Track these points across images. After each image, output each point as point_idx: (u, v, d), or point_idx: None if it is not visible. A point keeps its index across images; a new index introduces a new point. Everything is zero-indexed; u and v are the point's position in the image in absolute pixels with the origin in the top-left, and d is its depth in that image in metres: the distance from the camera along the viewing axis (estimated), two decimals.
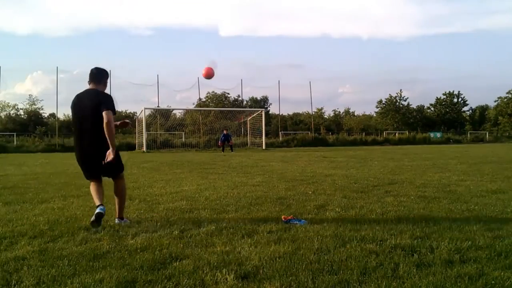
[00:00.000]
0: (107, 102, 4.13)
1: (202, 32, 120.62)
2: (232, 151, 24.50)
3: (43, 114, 52.71)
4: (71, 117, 4.46)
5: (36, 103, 50.29)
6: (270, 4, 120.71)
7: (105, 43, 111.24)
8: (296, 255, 3.09)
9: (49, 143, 29.97)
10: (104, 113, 4.02)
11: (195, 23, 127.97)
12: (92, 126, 4.12)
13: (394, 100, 63.34)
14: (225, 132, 25.41)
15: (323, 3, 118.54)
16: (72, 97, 4.39)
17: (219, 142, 25.58)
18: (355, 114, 73.59)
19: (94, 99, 4.16)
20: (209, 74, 5.56)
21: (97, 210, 4.01)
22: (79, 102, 4.25)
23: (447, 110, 65.49)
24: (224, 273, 2.71)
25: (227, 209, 5.00)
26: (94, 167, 4.25)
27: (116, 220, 4.32)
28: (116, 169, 4.32)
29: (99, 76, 4.34)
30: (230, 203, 5.41)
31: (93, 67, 4.37)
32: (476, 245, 3.29)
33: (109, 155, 4.05)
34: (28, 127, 44.13)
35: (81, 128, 4.24)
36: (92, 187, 4.30)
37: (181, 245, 3.38)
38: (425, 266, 2.83)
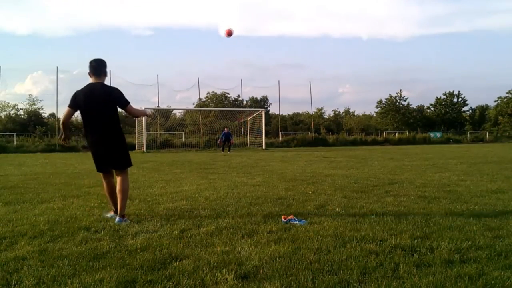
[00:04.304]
0: (123, 96, 4.54)
1: (202, 32, 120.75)
2: (229, 151, 24.35)
3: (43, 114, 52.59)
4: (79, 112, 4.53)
5: (36, 103, 50.13)
6: (270, 4, 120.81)
7: (105, 43, 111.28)
8: (296, 255, 3.09)
9: (49, 143, 29.94)
10: (129, 107, 4.55)
11: (195, 23, 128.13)
12: (108, 119, 4.46)
13: (394, 100, 63.28)
14: (225, 130, 25.14)
15: (323, 3, 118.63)
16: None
17: (219, 140, 25.32)
18: (355, 114, 73.68)
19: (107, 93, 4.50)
20: (229, 33, 7.01)
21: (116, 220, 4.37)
22: (91, 96, 4.41)
23: (447, 110, 65.43)
24: (224, 273, 2.71)
25: (227, 209, 5.00)
26: (105, 160, 4.53)
27: (117, 219, 4.33)
28: (124, 160, 4.57)
29: (100, 68, 4.50)
30: (230, 203, 5.41)
31: (91, 59, 4.48)
32: (476, 245, 3.29)
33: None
34: (28, 127, 44.05)
35: (94, 121, 4.46)
36: (105, 185, 4.62)
37: (181, 245, 3.38)
38: (425, 266, 2.83)
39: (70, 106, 4.45)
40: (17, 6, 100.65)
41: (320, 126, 58.75)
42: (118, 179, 4.53)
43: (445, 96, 66.54)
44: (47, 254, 3.17)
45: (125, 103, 4.51)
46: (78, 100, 4.41)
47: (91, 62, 4.45)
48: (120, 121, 4.63)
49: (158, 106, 35.46)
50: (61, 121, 4.64)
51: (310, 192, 6.30)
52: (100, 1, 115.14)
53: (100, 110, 4.42)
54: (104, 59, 4.52)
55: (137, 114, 5.14)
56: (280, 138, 37.47)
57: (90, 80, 4.49)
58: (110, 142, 4.50)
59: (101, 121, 4.45)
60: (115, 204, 4.53)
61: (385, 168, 10.86)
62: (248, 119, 32.92)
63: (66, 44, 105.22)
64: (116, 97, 4.48)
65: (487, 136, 52.87)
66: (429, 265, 2.84)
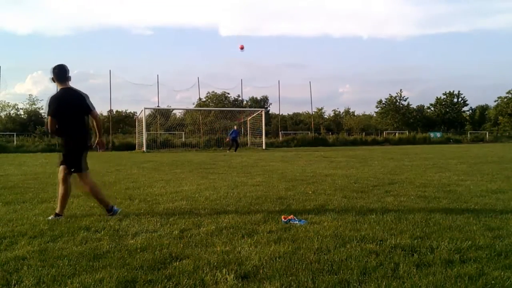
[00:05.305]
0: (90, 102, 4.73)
1: (202, 32, 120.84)
2: (230, 149, 24.42)
3: (43, 114, 52.67)
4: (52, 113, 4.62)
5: (36, 103, 50.31)
6: (270, 4, 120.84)
7: (105, 43, 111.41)
8: (296, 255, 3.09)
9: (49, 143, 29.94)
10: (94, 112, 4.72)
11: (195, 23, 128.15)
12: (83, 122, 4.70)
13: (394, 100, 63.28)
14: (235, 128, 25.44)
15: (324, 3, 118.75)
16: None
17: (227, 138, 25.36)
18: (355, 114, 73.65)
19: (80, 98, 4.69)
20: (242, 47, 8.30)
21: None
22: (70, 102, 4.59)
23: (447, 110, 65.43)
24: (224, 273, 2.71)
25: (227, 209, 5.00)
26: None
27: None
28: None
29: (65, 74, 4.64)
30: (230, 203, 5.41)
31: (54, 66, 4.62)
32: (476, 245, 3.29)
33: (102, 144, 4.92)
34: (28, 127, 44.03)
35: (72, 125, 4.65)
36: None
37: (181, 245, 3.38)
38: (425, 266, 2.83)
39: (53, 115, 4.57)
40: (17, 6, 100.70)
41: (320, 126, 58.79)
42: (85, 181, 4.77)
43: (445, 96, 66.55)
44: (47, 254, 3.18)
45: (93, 108, 4.73)
46: (60, 107, 4.55)
47: (54, 69, 4.60)
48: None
49: (158, 106, 35.46)
50: (50, 131, 4.77)
51: (310, 192, 6.30)
52: (100, 1, 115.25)
53: (77, 114, 4.63)
54: (65, 64, 4.67)
55: (99, 121, 4.92)
56: (280, 138, 37.48)
57: (57, 85, 4.66)
58: (85, 144, 4.76)
59: (78, 124, 4.65)
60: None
61: (385, 168, 10.86)
62: (248, 119, 32.94)
63: (66, 44, 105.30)
64: (87, 101, 4.70)
65: (487, 136, 52.90)
66: (429, 265, 2.84)
